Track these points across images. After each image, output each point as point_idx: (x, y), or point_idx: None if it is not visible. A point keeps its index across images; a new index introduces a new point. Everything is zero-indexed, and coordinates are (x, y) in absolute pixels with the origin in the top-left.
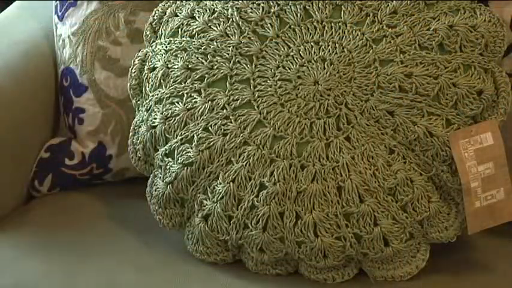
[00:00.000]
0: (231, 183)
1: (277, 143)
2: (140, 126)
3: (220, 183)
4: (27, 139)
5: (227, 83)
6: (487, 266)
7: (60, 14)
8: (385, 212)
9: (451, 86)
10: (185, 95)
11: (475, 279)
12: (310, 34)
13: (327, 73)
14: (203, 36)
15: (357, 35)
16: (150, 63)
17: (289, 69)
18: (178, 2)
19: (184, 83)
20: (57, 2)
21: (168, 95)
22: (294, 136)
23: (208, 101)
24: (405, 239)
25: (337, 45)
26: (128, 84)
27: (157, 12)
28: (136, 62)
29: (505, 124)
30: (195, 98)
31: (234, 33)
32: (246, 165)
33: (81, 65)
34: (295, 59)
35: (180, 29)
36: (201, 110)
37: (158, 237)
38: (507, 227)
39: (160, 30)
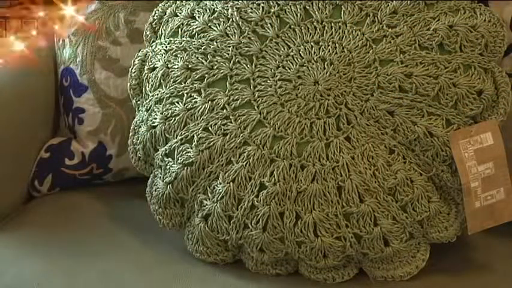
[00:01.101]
0: (231, 183)
1: (277, 143)
2: (140, 126)
3: (220, 183)
4: (27, 139)
5: (227, 83)
6: (487, 266)
7: None
8: (385, 212)
9: (451, 86)
10: (185, 95)
11: (475, 279)
12: (310, 34)
13: (327, 73)
14: (203, 36)
15: (357, 35)
16: (150, 63)
17: (289, 69)
18: (178, 2)
19: (184, 83)
20: None
21: (168, 95)
22: (294, 136)
23: (208, 101)
24: (405, 239)
25: (337, 45)
26: (128, 84)
27: (157, 12)
28: (136, 62)
29: (505, 124)
30: (195, 98)
31: (234, 33)
32: (246, 165)
33: (81, 65)
34: (295, 59)
35: (180, 29)
36: (201, 110)
37: (158, 237)
38: (507, 227)
39: (160, 30)
